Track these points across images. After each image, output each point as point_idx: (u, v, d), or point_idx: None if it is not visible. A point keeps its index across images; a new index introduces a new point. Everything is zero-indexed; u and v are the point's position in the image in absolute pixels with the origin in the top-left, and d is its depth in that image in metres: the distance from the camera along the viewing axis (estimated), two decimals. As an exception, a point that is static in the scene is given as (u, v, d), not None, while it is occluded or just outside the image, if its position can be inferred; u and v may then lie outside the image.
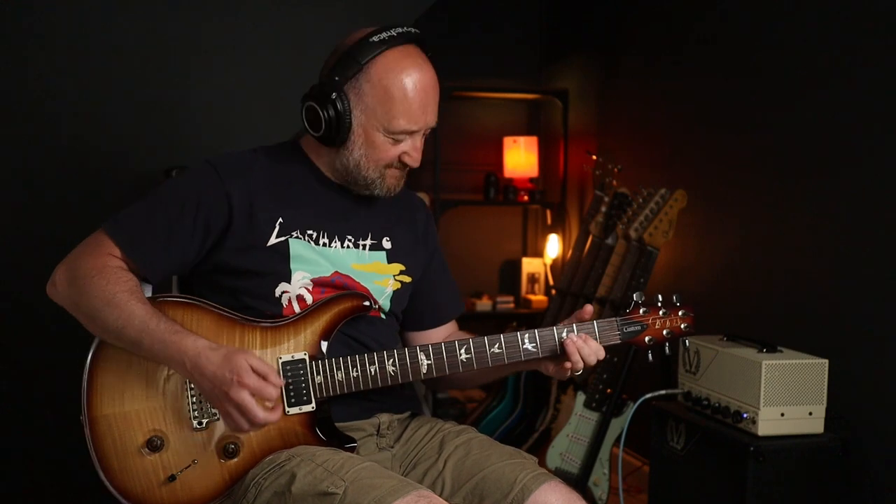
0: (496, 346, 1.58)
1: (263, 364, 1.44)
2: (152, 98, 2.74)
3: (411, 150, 1.61)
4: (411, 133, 1.59)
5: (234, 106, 2.83)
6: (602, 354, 1.59)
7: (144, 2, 2.73)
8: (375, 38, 1.55)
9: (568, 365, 1.58)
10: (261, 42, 2.84)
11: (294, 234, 1.60)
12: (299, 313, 1.58)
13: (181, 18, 2.75)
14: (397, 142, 1.59)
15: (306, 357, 1.55)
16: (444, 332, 1.84)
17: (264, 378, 1.42)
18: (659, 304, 1.65)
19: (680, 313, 1.65)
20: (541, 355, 1.60)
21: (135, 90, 2.72)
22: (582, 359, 1.57)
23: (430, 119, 1.61)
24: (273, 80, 2.82)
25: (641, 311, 1.63)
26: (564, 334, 1.59)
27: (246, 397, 1.41)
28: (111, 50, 2.68)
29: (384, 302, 1.70)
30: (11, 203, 2.62)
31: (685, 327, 1.65)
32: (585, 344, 1.57)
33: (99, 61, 2.66)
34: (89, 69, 2.66)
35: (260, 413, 1.42)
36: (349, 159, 1.61)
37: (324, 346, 1.56)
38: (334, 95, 1.55)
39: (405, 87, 1.55)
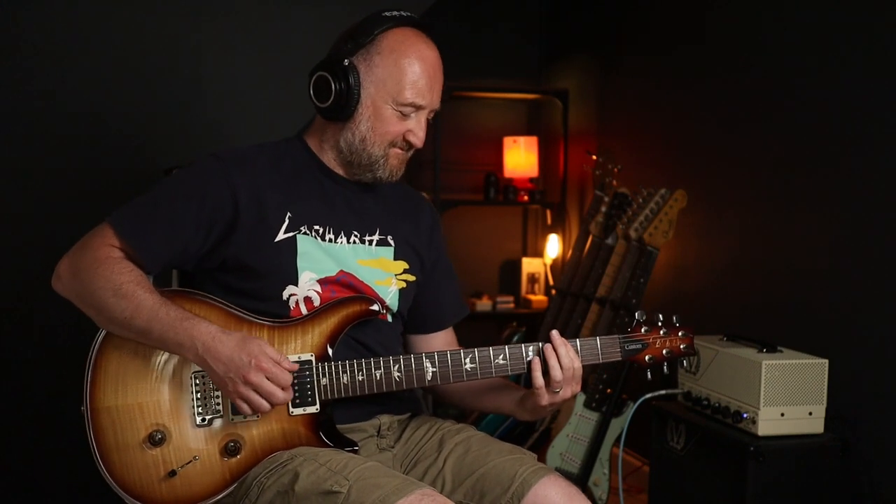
0: (500, 356, 1.58)
1: (276, 351, 1.46)
2: (153, 97, 2.74)
3: (416, 128, 1.61)
4: (418, 109, 1.59)
5: (236, 105, 2.83)
6: (579, 373, 1.57)
7: (145, 1, 2.73)
8: (388, 14, 1.59)
9: (539, 382, 1.55)
10: (263, 41, 2.84)
11: (302, 229, 1.60)
12: (308, 314, 1.58)
13: (182, 17, 2.75)
14: (404, 116, 1.59)
15: (312, 358, 1.55)
16: (442, 338, 1.83)
17: (278, 363, 1.45)
18: (660, 324, 1.65)
19: (680, 334, 1.66)
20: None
21: (135, 90, 2.71)
22: (561, 366, 1.54)
23: (436, 99, 1.61)
24: (275, 80, 2.82)
25: (643, 329, 1.64)
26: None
27: (264, 380, 1.43)
28: (111, 49, 2.67)
29: (391, 302, 1.69)
30: (12, 202, 2.62)
31: (684, 348, 1.66)
32: (566, 350, 1.55)
33: (99, 61, 2.66)
34: (89, 69, 2.65)
35: (279, 393, 1.45)
36: (355, 133, 1.60)
37: (330, 348, 1.56)
38: (346, 62, 1.57)
39: (415, 60, 1.57)
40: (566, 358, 1.55)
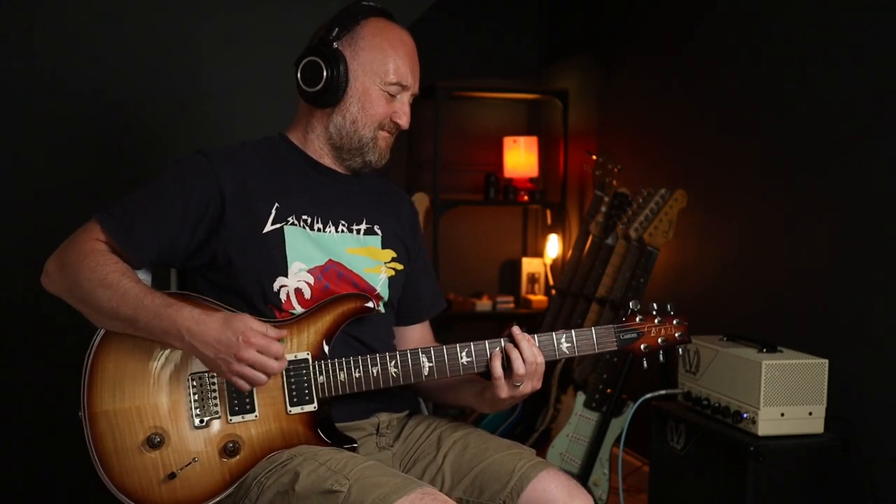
0: (497, 348, 1.58)
1: (261, 322, 1.47)
2: (152, 97, 2.74)
3: (402, 109, 1.68)
4: (403, 88, 1.66)
5: (234, 105, 2.83)
6: (542, 368, 1.57)
7: (144, 1, 2.73)
8: (366, 3, 1.68)
9: (498, 372, 1.55)
10: (261, 42, 2.84)
11: (290, 219, 1.61)
12: (302, 313, 1.59)
13: (181, 17, 2.75)
14: (391, 97, 1.66)
15: (309, 357, 1.55)
16: (419, 331, 1.85)
17: (265, 335, 1.45)
18: (654, 312, 1.67)
19: (674, 322, 1.68)
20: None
21: (134, 90, 2.72)
22: (523, 359, 1.54)
23: (416, 83, 1.70)
24: (274, 80, 2.81)
25: (638, 318, 1.66)
26: (563, 340, 1.60)
27: (255, 353, 1.44)
28: (110, 49, 2.68)
29: (382, 289, 1.71)
30: (11, 201, 2.62)
31: (679, 336, 1.68)
32: (528, 345, 1.55)
33: (98, 60, 2.66)
34: (88, 68, 2.66)
35: (273, 363, 1.45)
36: (345, 116, 1.65)
37: (326, 346, 1.57)
38: (336, 45, 1.63)
39: (397, 43, 1.66)
40: (528, 352, 1.55)
